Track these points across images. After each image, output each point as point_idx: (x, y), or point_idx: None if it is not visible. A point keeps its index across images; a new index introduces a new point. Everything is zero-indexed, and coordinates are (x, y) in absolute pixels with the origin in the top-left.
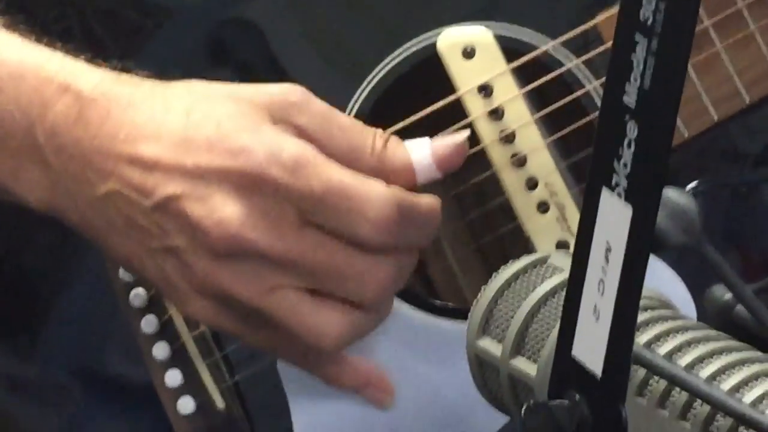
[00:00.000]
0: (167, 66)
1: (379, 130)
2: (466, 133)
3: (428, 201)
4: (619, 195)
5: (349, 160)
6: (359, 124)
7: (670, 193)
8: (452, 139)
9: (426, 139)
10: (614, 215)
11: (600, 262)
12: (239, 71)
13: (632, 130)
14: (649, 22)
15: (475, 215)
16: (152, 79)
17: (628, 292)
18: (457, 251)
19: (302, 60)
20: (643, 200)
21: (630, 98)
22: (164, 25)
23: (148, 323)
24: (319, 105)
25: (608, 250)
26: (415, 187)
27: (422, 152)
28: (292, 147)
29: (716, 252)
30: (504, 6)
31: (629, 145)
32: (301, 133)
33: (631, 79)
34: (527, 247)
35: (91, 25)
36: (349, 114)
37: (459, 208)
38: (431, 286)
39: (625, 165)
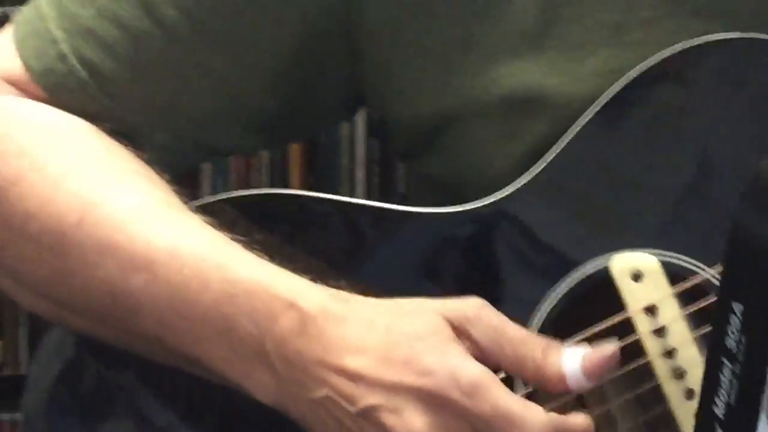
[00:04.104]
0: (380, 284)
1: (544, 342)
2: (615, 344)
3: (581, 422)
4: None
5: (514, 369)
6: (526, 336)
7: None
8: (601, 351)
9: (579, 351)
10: None
11: None
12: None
13: None
14: (734, 350)
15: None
16: (363, 297)
17: None
18: None
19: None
20: None
21: (719, 410)
22: (380, 250)
23: None
24: (492, 318)
25: None
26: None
27: (573, 364)
28: (470, 371)
29: None
30: (669, 235)
31: None
32: (475, 343)
33: (720, 393)
34: None
35: (314, 251)
36: (537, 322)
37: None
38: None
39: None
